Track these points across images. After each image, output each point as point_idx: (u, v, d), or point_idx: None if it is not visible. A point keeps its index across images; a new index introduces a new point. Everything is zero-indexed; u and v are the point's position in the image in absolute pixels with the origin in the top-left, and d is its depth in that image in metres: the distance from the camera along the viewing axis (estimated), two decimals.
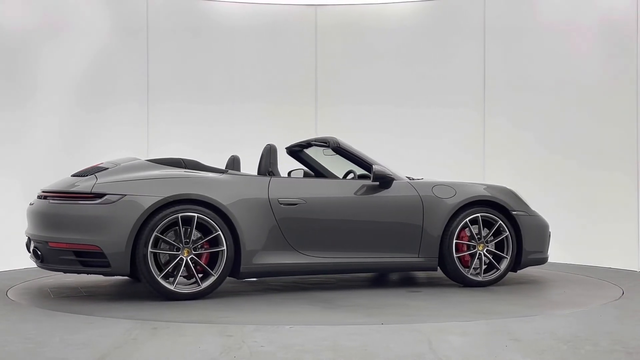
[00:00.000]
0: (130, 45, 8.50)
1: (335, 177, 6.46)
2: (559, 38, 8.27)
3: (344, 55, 9.02)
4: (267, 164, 5.87)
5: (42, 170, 7.55)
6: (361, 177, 6.24)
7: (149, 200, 5.21)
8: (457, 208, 5.96)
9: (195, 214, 5.28)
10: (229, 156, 6.38)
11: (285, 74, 8.96)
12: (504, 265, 6.08)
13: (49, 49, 7.84)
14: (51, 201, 5.38)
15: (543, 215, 6.46)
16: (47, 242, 5.30)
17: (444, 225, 5.93)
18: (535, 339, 4.03)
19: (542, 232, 6.31)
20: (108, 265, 5.17)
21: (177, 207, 5.26)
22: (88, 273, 5.39)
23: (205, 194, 5.35)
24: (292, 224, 5.60)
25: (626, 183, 7.76)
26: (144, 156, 7.77)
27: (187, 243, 5.28)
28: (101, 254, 5.15)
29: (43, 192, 5.56)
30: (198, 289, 5.31)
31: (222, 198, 5.39)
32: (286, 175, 6.47)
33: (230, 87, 8.85)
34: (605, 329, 4.37)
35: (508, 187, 6.34)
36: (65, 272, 5.43)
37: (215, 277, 5.34)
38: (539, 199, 7.13)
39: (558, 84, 8.24)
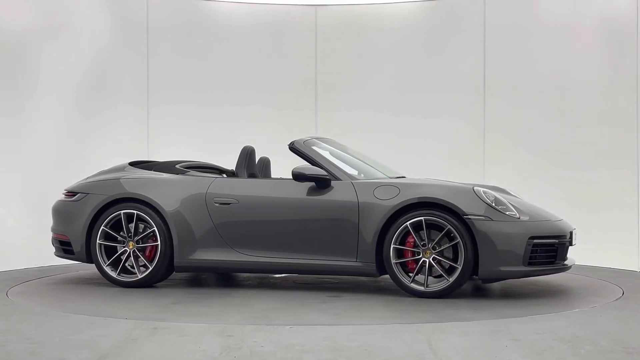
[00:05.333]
0: (130, 46, 8.48)
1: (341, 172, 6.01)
2: (559, 38, 8.26)
3: (344, 55, 9.01)
4: (236, 165, 6.26)
5: (42, 171, 7.54)
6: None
7: (98, 198, 5.99)
8: (394, 210, 5.42)
9: (135, 211, 5.88)
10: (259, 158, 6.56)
11: (285, 73, 8.94)
12: (454, 275, 5.32)
13: (48, 50, 7.82)
14: (59, 198, 6.36)
15: (561, 222, 5.75)
16: (52, 233, 6.39)
17: (379, 229, 5.46)
18: (535, 339, 4.03)
19: (516, 242, 5.31)
20: (73, 253, 6.10)
21: (122, 205, 5.93)
22: (68, 259, 6.28)
23: (143, 194, 5.91)
24: (227, 223, 5.84)
25: (626, 183, 7.74)
26: (144, 158, 7.77)
27: (130, 237, 5.88)
28: (69, 243, 6.11)
29: None
30: (135, 278, 5.89)
31: (159, 197, 5.89)
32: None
33: (230, 88, 8.83)
34: (605, 329, 4.37)
35: (481, 188, 5.62)
36: (63, 257, 6.34)
37: (150, 269, 5.84)
38: (538, 199, 7.12)
39: (558, 84, 8.22)
